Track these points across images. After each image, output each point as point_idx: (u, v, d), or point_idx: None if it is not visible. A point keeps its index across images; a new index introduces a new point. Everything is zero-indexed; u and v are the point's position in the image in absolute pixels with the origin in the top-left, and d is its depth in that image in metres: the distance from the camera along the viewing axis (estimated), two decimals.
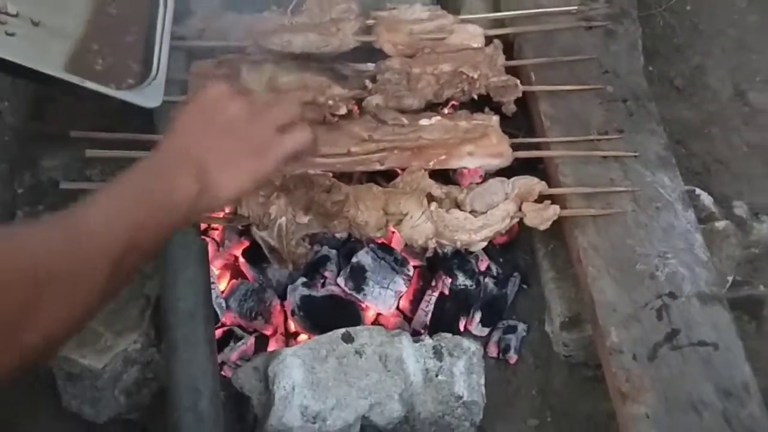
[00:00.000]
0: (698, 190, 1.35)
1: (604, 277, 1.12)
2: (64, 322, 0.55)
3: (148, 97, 1.07)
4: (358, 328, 1.15)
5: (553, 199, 1.18)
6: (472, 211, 1.15)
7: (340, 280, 1.25)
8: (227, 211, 1.12)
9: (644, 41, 1.42)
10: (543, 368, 1.29)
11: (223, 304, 1.22)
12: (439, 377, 1.13)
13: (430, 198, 1.14)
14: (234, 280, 1.26)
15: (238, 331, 1.22)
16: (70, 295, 0.55)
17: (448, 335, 1.18)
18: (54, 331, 0.54)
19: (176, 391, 0.97)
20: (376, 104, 1.20)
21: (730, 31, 1.72)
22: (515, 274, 1.34)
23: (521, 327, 1.31)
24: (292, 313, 1.23)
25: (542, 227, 1.16)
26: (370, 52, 1.27)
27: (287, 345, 1.22)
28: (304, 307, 1.22)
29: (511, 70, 1.29)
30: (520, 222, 1.17)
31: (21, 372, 0.52)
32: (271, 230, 1.08)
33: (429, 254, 1.27)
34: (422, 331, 1.25)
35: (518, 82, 1.26)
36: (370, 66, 1.26)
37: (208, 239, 1.23)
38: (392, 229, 1.14)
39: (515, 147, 1.21)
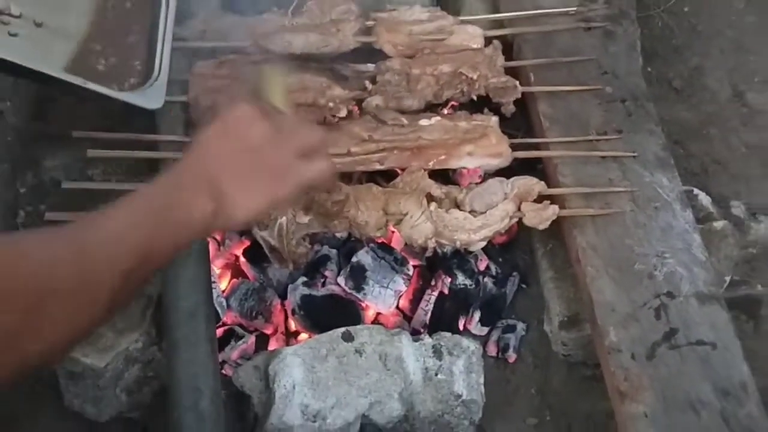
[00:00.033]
0: (696, 191, 1.36)
1: (603, 276, 1.13)
2: (68, 330, 0.55)
3: (150, 98, 1.07)
4: (358, 327, 1.15)
5: (552, 199, 1.18)
6: (471, 211, 1.15)
7: (341, 280, 1.25)
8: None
9: (643, 42, 1.43)
10: (542, 367, 1.29)
11: (224, 303, 1.23)
12: (439, 376, 1.13)
13: (430, 198, 1.14)
14: (235, 280, 1.26)
15: (239, 330, 1.23)
16: (74, 305, 0.55)
17: (448, 334, 1.19)
18: (57, 339, 0.54)
19: (177, 390, 0.98)
20: (376, 105, 1.21)
21: (728, 32, 1.72)
22: (514, 273, 1.35)
23: (520, 326, 1.31)
24: (293, 312, 1.23)
25: (541, 227, 1.17)
26: (370, 53, 1.28)
27: (287, 344, 1.22)
28: (305, 306, 1.23)
29: (510, 71, 1.29)
30: (519, 222, 1.17)
31: (22, 378, 0.53)
32: (271, 230, 1.09)
33: (428, 254, 1.28)
34: (422, 330, 1.25)
35: (517, 83, 1.27)
36: (370, 67, 1.27)
37: (208, 239, 1.23)
38: (392, 229, 1.14)
39: (514, 147, 1.22)
